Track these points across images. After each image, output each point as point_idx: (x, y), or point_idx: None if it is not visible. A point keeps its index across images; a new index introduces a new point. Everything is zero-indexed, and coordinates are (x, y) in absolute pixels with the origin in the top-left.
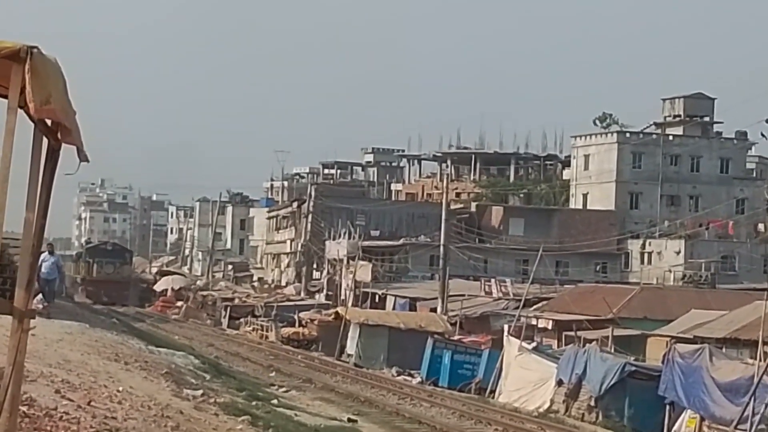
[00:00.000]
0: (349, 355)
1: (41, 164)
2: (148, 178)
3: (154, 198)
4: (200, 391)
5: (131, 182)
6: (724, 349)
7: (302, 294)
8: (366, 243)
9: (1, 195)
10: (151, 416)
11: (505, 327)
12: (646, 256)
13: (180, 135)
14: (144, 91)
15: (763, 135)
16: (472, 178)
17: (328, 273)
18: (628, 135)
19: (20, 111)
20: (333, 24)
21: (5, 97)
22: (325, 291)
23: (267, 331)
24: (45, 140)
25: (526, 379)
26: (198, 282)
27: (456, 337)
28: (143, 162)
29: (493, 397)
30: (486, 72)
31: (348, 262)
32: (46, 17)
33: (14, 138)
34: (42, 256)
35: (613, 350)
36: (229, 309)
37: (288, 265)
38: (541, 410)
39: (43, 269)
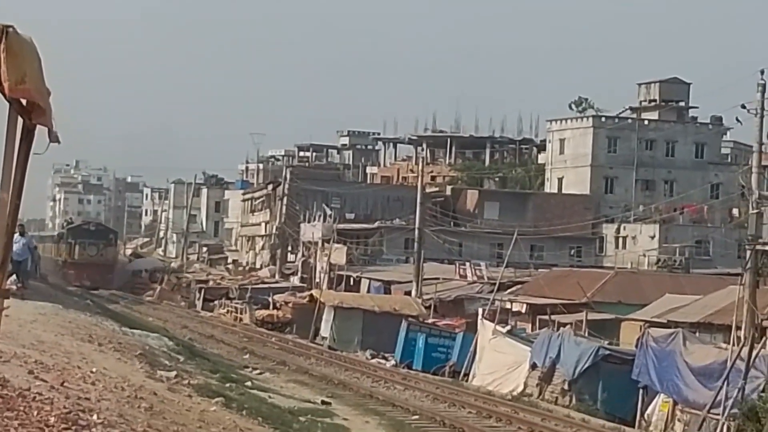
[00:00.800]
0: (323, 338)
1: (16, 144)
2: (122, 160)
3: (129, 180)
4: (174, 373)
5: (106, 164)
6: (697, 334)
7: (277, 276)
8: (341, 226)
9: None
10: (124, 397)
11: (480, 310)
12: (620, 240)
13: (155, 117)
14: (120, 73)
15: (737, 120)
16: (447, 161)
17: (303, 255)
18: (603, 119)
19: None
20: (310, 8)
21: None
22: (299, 274)
23: (241, 313)
24: (20, 120)
25: (500, 362)
26: (172, 264)
27: (430, 321)
28: (118, 144)
29: (467, 381)
30: (462, 56)
31: (323, 244)
32: (24, 1)
33: None
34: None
35: (586, 334)
36: (203, 291)
37: (263, 248)
38: (514, 393)
39: (13, 250)
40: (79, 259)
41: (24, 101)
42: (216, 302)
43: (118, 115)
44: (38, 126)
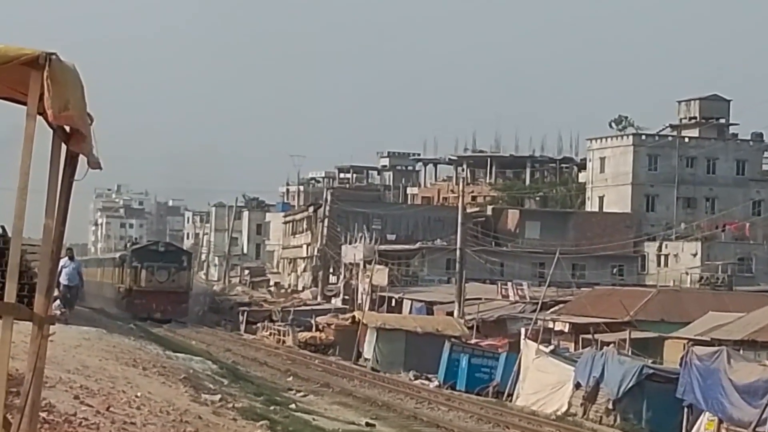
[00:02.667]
0: (366, 360)
1: (60, 171)
2: (163, 184)
3: (170, 203)
4: (218, 396)
5: (147, 188)
6: (741, 351)
7: (319, 298)
8: (382, 247)
9: (21, 201)
10: (169, 421)
11: (522, 330)
12: (662, 258)
13: (196, 140)
14: (160, 96)
15: None
16: (487, 181)
17: (345, 277)
18: (643, 137)
19: (39, 118)
20: (347, 28)
21: (24, 103)
22: (341, 295)
23: (284, 335)
24: (63, 147)
25: (543, 382)
26: (214, 287)
27: (473, 341)
28: (159, 167)
29: (510, 401)
30: (501, 75)
31: (364, 266)
32: (64, 24)
33: (33, 144)
34: (62, 262)
35: (630, 353)
36: (246, 314)
37: (304, 270)
38: (558, 413)
39: (63, 275)
40: (147, 287)
41: (68, 128)
42: (259, 325)
43: (160, 139)
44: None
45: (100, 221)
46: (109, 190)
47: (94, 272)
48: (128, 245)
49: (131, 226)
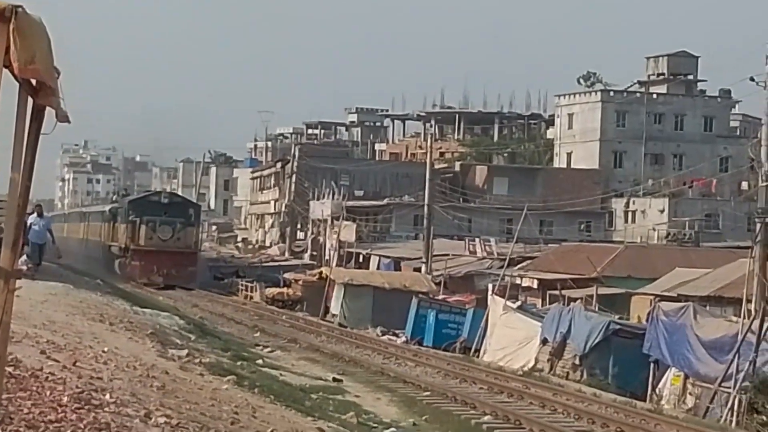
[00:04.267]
0: (333, 315)
1: (26, 124)
2: (131, 140)
3: (138, 159)
4: (185, 352)
5: (115, 143)
6: (708, 307)
7: (286, 254)
8: (350, 203)
9: None
10: (136, 376)
11: (490, 286)
12: (630, 214)
13: (163, 97)
14: (128, 53)
15: (752, 79)
16: (456, 137)
17: (312, 233)
18: (611, 94)
19: (5, 71)
20: None
21: None
22: (309, 251)
23: (251, 291)
24: (30, 100)
25: (510, 338)
26: None
27: (440, 297)
28: (128, 123)
29: (477, 356)
30: (470, 32)
31: (332, 222)
32: None
33: None
34: (30, 219)
35: (597, 309)
36: (212, 270)
37: (272, 226)
38: (525, 369)
39: (32, 233)
40: (147, 245)
41: (34, 82)
42: (226, 281)
43: (127, 95)
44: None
45: (66, 177)
46: (76, 145)
47: (77, 228)
48: (118, 195)
49: (98, 181)
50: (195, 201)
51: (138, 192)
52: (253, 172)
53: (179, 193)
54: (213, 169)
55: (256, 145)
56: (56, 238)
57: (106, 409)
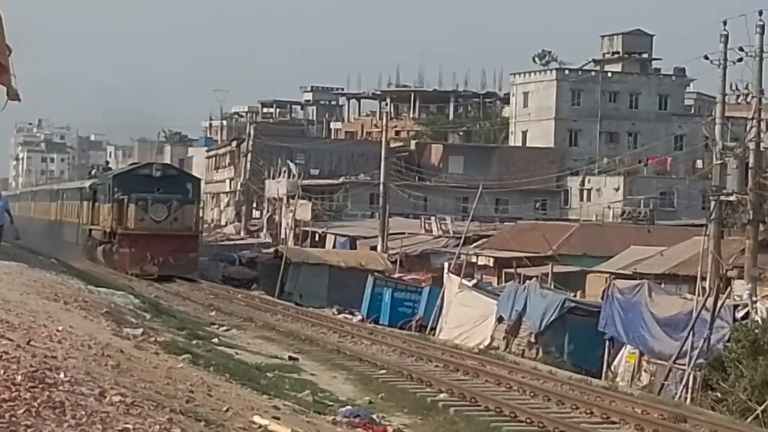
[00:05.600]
0: (289, 294)
1: None
2: (85, 118)
3: (92, 138)
4: (140, 330)
5: (69, 122)
6: (663, 285)
7: (242, 233)
8: (306, 182)
9: None
10: (91, 355)
11: (446, 264)
12: (585, 192)
13: (118, 75)
14: (82, 31)
15: (706, 57)
16: (411, 116)
17: (268, 212)
18: (566, 72)
19: None
20: None
21: None
22: (265, 230)
23: (206, 270)
24: None
25: (466, 316)
26: None
27: (396, 275)
28: (81, 102)
29: (433, 335)
30: (425, 10)
31: (288, 201)
32: None
33: None
34: None
35: (552, 287)
36: None
37: (227, 204)
38: (481, 347)
39: None
40: (137, 228)
41: None
42: None
43: (82, 73)
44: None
45: (21, 156)
46: (30, 124)
47: (46, 209)
48: (97, 170)
49: (52, 160)
50: (192, 173)
51: (99, 168)
52: (208, 151)
53: None
54: (168, 148)
55: (211, 124)
56: (22, 221)
57: (61, 387)
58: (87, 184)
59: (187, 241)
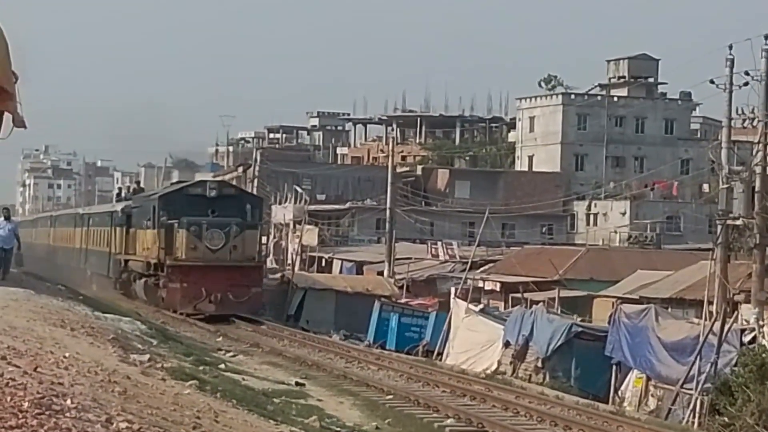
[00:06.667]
0: (296, 320)
1: None
2: (92, 144)
3: (99, 164)
4: (147, 356)
5: (75, 148)
6: (669, 309)
7: None
8: (312, 207)
9: None
10: (98, 381)
11: (452, 289)
12: (591, 217)
13: (125, 101)
14: (88, 57)
15: (712, 82)
16: (417, 141)
17: (275, 237)
18: (573, 97)
19: None
20: None
21: None
22: (271, 255)
23: None
24: None
25: (473, 341)
26: None
27: (403, 300)
28: (87, 128)
29: (440, 360)
30: (430, 35)
31: (294, 226)
32: None
33: None
34: None
35: (559, 311)
36: None
37: None
38: (488, 372)
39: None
40: (189, 259)
41: None
42: None
43: (89, 100)
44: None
45: (27, 182)
46: (36, 150)
47: (67, 235)
48: (128, 191)
49: (59, 186)
50: (252, 192)
51: (98, 196)
52: (214, 177)
53: None
54: (175, 174)
55: (217, 150)
56: (40, 249)
57: (67, 414)
58: (119, 207)
59: (248, 274)
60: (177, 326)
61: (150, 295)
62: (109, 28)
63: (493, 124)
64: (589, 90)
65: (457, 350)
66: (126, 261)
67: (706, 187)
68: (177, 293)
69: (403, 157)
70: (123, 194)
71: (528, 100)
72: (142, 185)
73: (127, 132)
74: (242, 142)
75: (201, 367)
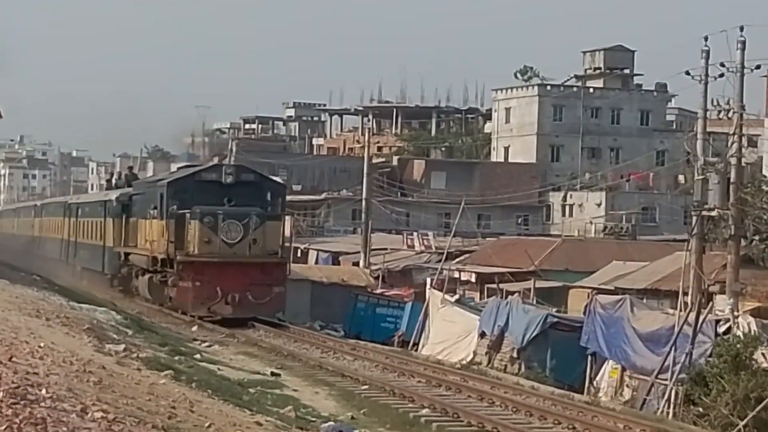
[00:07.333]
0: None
1: None
2: (68, 135)
3: (74, 154)
4: (122, 347)
5: (51, 138)
6: (645, 300)
7: None
8: (288, 197)
9: None
10: (73, 371)
11: (428, 280)
12: (567, 208)
13: (100, 91)
14: (65, 48)
15: (687, 73)
16: (393, 131)
17: None
18: (548, 88)
19: None
20: None
21: None
22: None
23: None
24: None
25: (449, 331)
26: None
27: (379, 291)
28: (63, 118)
29: (416, 350)
30: (406, 25)
31: None
32: None
33: None
34: None
35: (535, 302)
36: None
37: None
38: (464, 362)
39: None
40: (203, 254)
41: None
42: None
43: (64, 89)
44: None
45: (2, 172)
46: (11, 140)
47: (54, 225)
48: (118, 178)
49: (34, 177)
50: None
51: (74, 186)
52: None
53: None
54: (150, 164)
55: (193, 140)
56: (23, 241)
57: (42, 404)
58: (113, 195)
59: (270, 271)
60: (152, 316)
61: (155, 294)
62: (84, 20)
63: (469, 115)
64: (565, 81)
65: (432, 341)
66: (125, 255)
67: (681, 178)
68: (188, 293)
69: (379, 148)
70: (114, 182)
71: (504, 91)
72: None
73: (103, 122)
74: (218, 132)
75: (176, 357)
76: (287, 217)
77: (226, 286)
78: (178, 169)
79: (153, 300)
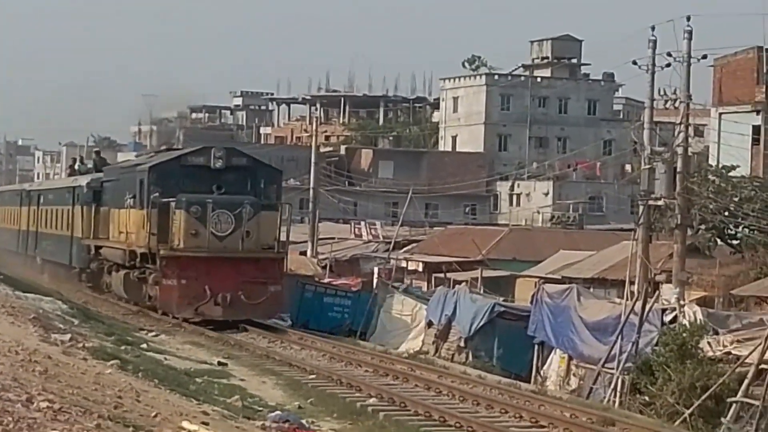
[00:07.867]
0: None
1: None
2: (13, 123)
3: (20, 143)
4: (68, 336)
5: None
6: (591, 289)
7: None
8: None
9: None
10: (18, 361)
11: (376, 269)
12: (514, 197)
13: (46, 79)
14: (8, 36)
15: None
16: (341, 121)
17: None
18: (496, 77)
19: None
20: None
21: None
22: None
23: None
24: None
25: (396, 321)
26: None
27: (326, 280)
28: (7, 105)
29: (363, 340)
30: (355, 14)
31: None
32: None
33: None
34: None
35: (482, 291)
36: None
37: None
38: (411, 351)
39: None
40: (189, 248)
41: None
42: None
43: (8, 77)
44: None
45: None
46: None
47: (9, 215)
48: (81, 163)
49: None
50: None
51: (19, 175)
52: (137, 156)
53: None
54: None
55: (140, 129)
56: None
57: None
58: (83, 181)
59: (265, 268)
60: (99, 306)
61: (132, 292)
62: (26, 6)
63: (417, 104)
64: (513, 71)
65: (380, 330)
66: (96, 248)
67: (628, 167)
68: (173, 292)
69: (327, 137)
70: (78, 167)
71: (452, 80)
72: (100, 154)
73: (49, 111)
74: (165, 121)
75: (123, 347)
76: (285, 206)
77: (215, 285)
78: (158, 152)
79: (129, 298)
